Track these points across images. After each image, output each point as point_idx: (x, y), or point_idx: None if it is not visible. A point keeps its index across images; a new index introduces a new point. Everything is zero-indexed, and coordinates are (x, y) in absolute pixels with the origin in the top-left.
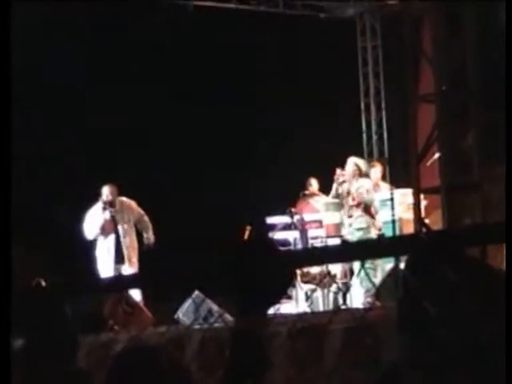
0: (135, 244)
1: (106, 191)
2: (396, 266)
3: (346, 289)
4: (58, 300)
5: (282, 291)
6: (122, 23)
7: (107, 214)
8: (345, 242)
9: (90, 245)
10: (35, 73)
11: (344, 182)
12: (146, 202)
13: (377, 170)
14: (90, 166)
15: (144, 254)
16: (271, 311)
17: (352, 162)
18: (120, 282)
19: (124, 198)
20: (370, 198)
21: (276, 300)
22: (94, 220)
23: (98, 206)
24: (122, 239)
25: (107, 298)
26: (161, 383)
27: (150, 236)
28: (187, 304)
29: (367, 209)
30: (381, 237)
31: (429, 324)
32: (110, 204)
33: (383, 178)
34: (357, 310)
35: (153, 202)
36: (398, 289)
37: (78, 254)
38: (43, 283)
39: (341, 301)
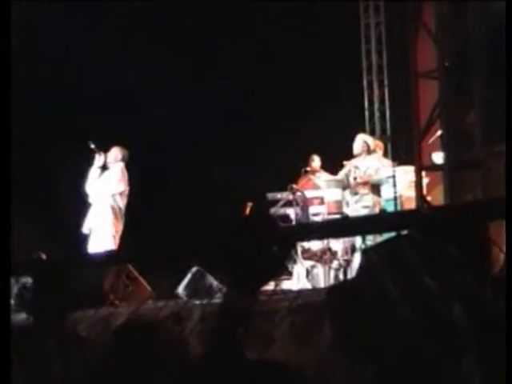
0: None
1: (112, 150)
2: (396, 241)
3: (346, 265)
4: (59, 273)
5: (281, 266)
6: None
7: (96, 172)
8: (346, 217)
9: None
10: (30, 38)
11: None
12: (147, 179)
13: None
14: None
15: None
16: (271, 287)
17: (361, 138)
18: (119, 257)
19: (121, 164)
20: (378, 178)
21: (275, 275)
22: (93, 172)
23: (101, 160)
24: (108, 199)
25: (107, 272)
26: (160, 357)
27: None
28: (187, 279)
29: (374, 187)
30: (382, 212)
31: (429, 299)
32: (108, 162)
33: (384, 155)
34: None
35: (154, 177)
36: (397, 264)
37: (79, 226)
38: (43, 256)
39: (341, 277)
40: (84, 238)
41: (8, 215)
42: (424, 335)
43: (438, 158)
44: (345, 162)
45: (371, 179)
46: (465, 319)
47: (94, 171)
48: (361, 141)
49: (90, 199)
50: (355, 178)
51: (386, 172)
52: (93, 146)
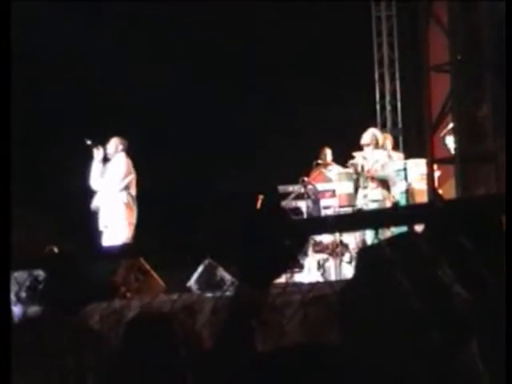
0: (124, 202)
1: (111, 141)
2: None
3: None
4: (71, 267)
5: (292, 259)
6: None
7: (99, 166)
8: (358, 211)
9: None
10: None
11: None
12: (161, 171)
13: (388, 143)
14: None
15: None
16: (283, 280)
17: (371, 131)
18: (131, 250)
19: (123, 155)
20: (385, 174)
21: (287, 268)
22: (94, 167)
23: (100, 153)
24: (115, 191)
25: (120, 264)
26: (172, 350)
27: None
28: (199, 272)
29: (382, 182)
30: (395, 205)
31: (444, 293)
32: (109, 154)
33: (395, 148)
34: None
35: (166, 170)
36: (412, 258)
37: (90, 219)
38: (56, 250)
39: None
40: (97, 232)
41: (8, 210)
42: (436, 330)
43: (451, 142)
44: (354, 153)
45: (377, 174)
46: (479, 313)
47: (95, 166)
48: (370, 133)
49: (98, 195)
50: (363, 169)
51: (394, 166)
52: (89, 142)
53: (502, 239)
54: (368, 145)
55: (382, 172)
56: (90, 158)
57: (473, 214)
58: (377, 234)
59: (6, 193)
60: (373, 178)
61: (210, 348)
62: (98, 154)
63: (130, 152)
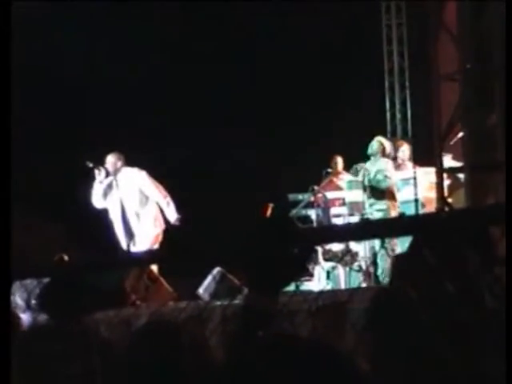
0: (143, 214)
1: (108, 160)
2: (414, 245)
3: (367, 267)
4: (81, 274)
5: (301, 268)
6: None
7: (107, 182)
8: (363, 220)
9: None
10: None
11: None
12: (169, 179)
13: (404, 149)
14: (110, 142)
15: (166, 230)
16: (291, 288)
17: (378, 139)
18: (141, 258)
19: (129, 168)
20: (387, 184)
21: (295, 276)
22: (96, 188)
23: (102, 173)
24: (126, 209)
25: (129, 272)
26: (181, 359)
27: (168, 212)
28: (208, 280)
29: (387, 191)
30: (401, 215)
31: (448, 302)
32: (110, 172)
33: (411, 158)
34: (377, 288)
35: (176, 178)
36: (416, 268)
37: (100, 227)
38: (66, 258)
39: (361, 279)
40: (107, 240)
41: (8, 217)
42: (439, 341)
43: (448, 161)
44: (359, 165)
45: (380, 187)
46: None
47: (97, 187)
48: (376, 142)
49: (112, 214)
50: (368, 182)
51: (402, 175)
52: (91, 165)
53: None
54: (374, 154)
55: (385, 182)
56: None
57: (478, 224)
58: (383, 242)
59: (6, 200)
60: (376, 189)
61: (219, 357)
62: (99, 174)
63: (129, 164)
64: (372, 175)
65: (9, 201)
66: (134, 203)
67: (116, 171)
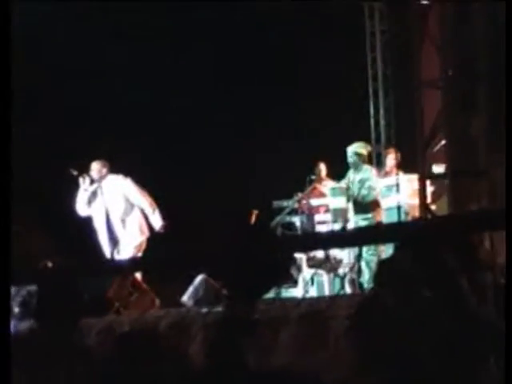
0: (129, 222)
1: (93, 167)
2: (396, 253)
3: (351, 273)
4: (65, 281)
5: (281, 275)
6: None
7: (92, 190)
8: (344, 229)
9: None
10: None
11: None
12: (152, 186)
13: (391, 158)
14: (96, 149)
15: (150, 237)
16: (272, 295)
17: (352, 151)
18: (125, 266)
19: (114, 175)
20: (372, 197)
21: (273, 284)
22: (80, 195)
23: (86, 181)
24: (110, 216)
25: (113, 280)
26: (161, 366)
27: (153, 219)
28: (193, 287)
29: (372, 203)
30: (379, 224)
31: (426, 310)
32: (95, 179)
33: (398, 166)
34: (359, 295)
35: (158, 185)
36: (397, 275)
37: (85, 235)
38: (50, 265)
39: (347, 285)
40: (92, 247)
41: (8, 223)
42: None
43: (439, 169)
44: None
45: (364, 200)
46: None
47: (81, 194)
48: (352, 154)
49: (96, 222)
50: (353, 196)
51: (385, 182)
52: (75, 173)
53: (479, 255)
54: (352, 164)
55: (370, 196)
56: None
57: (459, 231)
58: (368, 249)
59: (7, 206)
60: (361, 203)
61: (199, 364)
62: (83, 182)
63: (115, 171)
64: (356, 188)
65: (9, 207)
66: (119, 210)
67: (101, 178)
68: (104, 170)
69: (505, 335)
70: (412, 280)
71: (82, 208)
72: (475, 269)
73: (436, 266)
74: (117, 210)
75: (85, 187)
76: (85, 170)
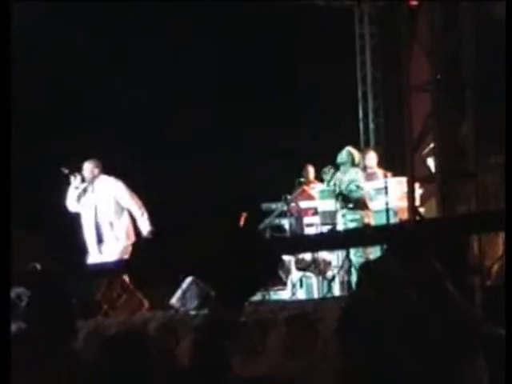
0: (117, 225)
1: (85, 167)
2: (382, 255)
3: (340, 276)
4: (54, 284)
5: (268, 277)
6: None
7: (83, 187)
8: (331, 231)
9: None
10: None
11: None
12: (140, 187)
13: (371, 156)
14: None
15: (139, 240)
16: (260, 297)
17: (347, 150)
18: (112, 268)
19: (105, 176)
20: (359, 194)
21: (260, 287)
22: (71, 192)
23: (77, 179)
24: (99, 216)
25: (102, 282)
26: (147, 369)
27: (141, 222)
28: (182, 289)
29: (359, 201)
30: (366, 226)
31: (412, 313)
32: (86, 179)
33: (379, 164)
34: (346, 297)
35: (147, 186)
36: (382, 278)
37: (73, 236)
38: (38, 267)
39: (337, 288)
40: (80, 250)
41: (8, 223)
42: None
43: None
44: (325, 169)
45: (352, 197)
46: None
47: (73, 191)
48: (345, 152)
49: (84, 219)
50: (340, 193)
51: (374, 184)
52: (67, 171)
53: (466, 258)
54: (344, 163)
55: (357, 193)
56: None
57: (445, 234)
58: (357, 251)
59: (7, 209)
60: (349, 199)
61: (185, 367)
62: (75, 180)
63: (107, 172)
64: (344, 185)
65: (9, 208)
66: (109, 212)
67: (93, 178)
68: (96, 171)
69: (505, 335)
70: (398, 282)
71: (71, 204)
72: (463, 271)
73: (423, 268)
74: (106, 211)
75: (76, 185)
76: (76, 169)
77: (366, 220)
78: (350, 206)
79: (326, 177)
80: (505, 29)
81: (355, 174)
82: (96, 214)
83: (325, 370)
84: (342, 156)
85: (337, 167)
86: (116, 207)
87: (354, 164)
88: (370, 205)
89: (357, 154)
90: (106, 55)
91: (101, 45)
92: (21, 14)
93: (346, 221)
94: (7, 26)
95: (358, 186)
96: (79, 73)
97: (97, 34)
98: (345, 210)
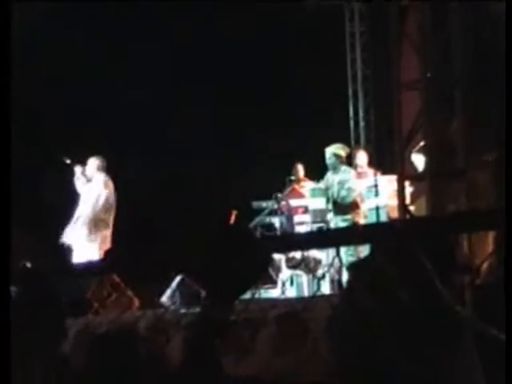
0: (104, 219)
1: (90, 161)
2: (372, 254)
3: (331, 274)
4: (44, 283)
5: (258, 275)
6: None
7: (83, 180)
8: (321, 229)
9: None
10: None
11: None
12: (130, 184)
13: (361, 156)
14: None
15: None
16: (250, 296)
17: (330, 153)
18: (103, 266)
19: (102, 175)
20: (351, 199)
21: (252, 284)
22: (77, 183)
23: (79, 170)
24: (88, 211)
25: (92, 280)
26: (137, 368)
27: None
28: (172, 288)
29: (352, 204)
30: (356, 224)
31: (402, 312)
32: (86, 173)
33: (369, 163)
34: (336, 296)
35: (137, 183)
36: (372, 276)
37: (62, 235)
38: (28, 265)
39: (327, 286)
40: (70, 249)
41: (8, 221)
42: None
43: (418, 159)
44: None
45: (344, 202)
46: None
47: (78, 180)
48: (330, 155)
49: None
50: (332, 196)
51: (365, 183)
52: (68, 161)
53: (456, 257)
54: (331, 165)
55: (349, 198)
56: (68, 174)
57: (429, 233)
58: (348, 250)
59: (7, 207)
60: (341, 205)
61: (175, 366)
62: (77, 171)
63: (109, 170)
64: (336, 189)
65: (9, 206)
66: (101, 208)
67: (92, 173)
68: (99, 167)
69: (505, 335)
70: (388, 281)
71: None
72: (453, 270)
73: (413, 266)
74: (98, 206)
75: (77, 175)
76: (78, 162)
77: (357, 219)
78: (342, 211)
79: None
80: (505, 29)
81: (346, 174)
82: (91, 207)
83: (314, 368)
84: (328, 157)
85: (327, 168)
86: (108, 206)
87: (342, 161)
88: (364, 204)
89: (340, 149)
90: (106, 55)
91: (101, 45)
92: (21, 14)
93: (337, 221)
94: (7, 26)
95: (349, 189)
96: (79, 73)
97: (97, 33)
98: (337, 216)
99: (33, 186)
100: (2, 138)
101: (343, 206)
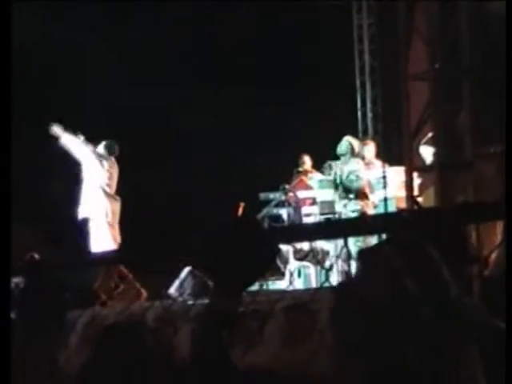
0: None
1: (104, 144)
2: (379, 244)
3: (339, 265)
4: (52, 273)
5: (266, 267)
6: None
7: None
8: (328, 220)
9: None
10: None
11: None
12: (139, 177)
13: (370, 148)
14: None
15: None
16: (258, 287)
17: (347, 139)
18: (112, 257)
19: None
20: (359, 184)
21: (260, 275)
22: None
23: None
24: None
25: (100, 272)
26: (146, 359)
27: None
28: (180, 279)
29: (360, 191)
30: (364, 215)
31: (409, 302)
32: (101, 153)
33: (377, 155)
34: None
35: (146, 177)
36: (380, 268)
37: (72, 226)
38: (36, 257)
39: (335, 277)
40: (78, 240)
41: (8, 215)
42: (407, 336)
43: (425, 151)
44: (330, 163)
45: (352, 187)
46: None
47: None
48: (345, 142)
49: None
50: (341, 181)
51: (373, 174)
52: (82, 137)
53: (463, 248)
54: (344, 154)
55: (357, 183)
56: (73, 164)
57: (437, 224)
58: (356, 241)
59: (7, 201)
60: (349, 189)
61: (183, 357)
62: (90, 149)
63: (119, 157)
64: (344, 175)
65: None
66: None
67: (104, 156)
68: (110, 150)
69: (505, 334)
70: (396, 271)
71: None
72: (460, 260)
73: (420, 258)
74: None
75: (91, 149)
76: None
77: (367, 210)
78: (351, 196)
79: (326, 171)
80: (505, 29)
81: (356, 164)
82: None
83: (322, 359)
84: (342, 147)
85: (337, 158)
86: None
87: (353, 154)
88: (373, 195)
89: (356, 144)
90: (106, 55)
91: (101, 44)
92: (21, 14)
93: (346, 211)
94: (7, 26)
95: (358, 176)
96: (79, 72)
97: (97, 33)
98: (345, 201)
99: (41, 178)
100: (3, 138)
101: (350, 191)
